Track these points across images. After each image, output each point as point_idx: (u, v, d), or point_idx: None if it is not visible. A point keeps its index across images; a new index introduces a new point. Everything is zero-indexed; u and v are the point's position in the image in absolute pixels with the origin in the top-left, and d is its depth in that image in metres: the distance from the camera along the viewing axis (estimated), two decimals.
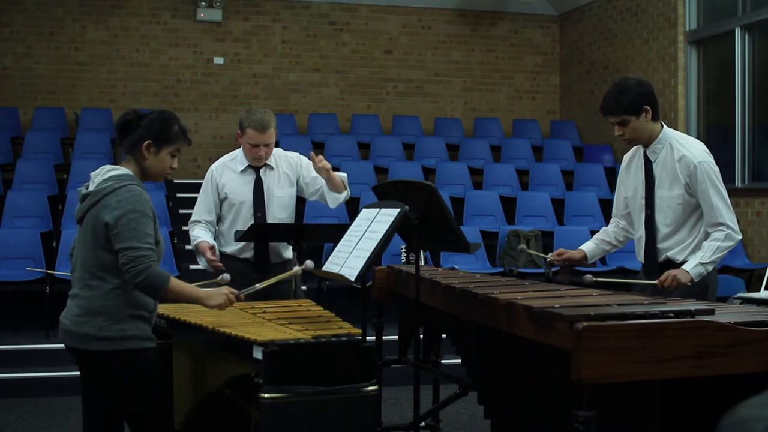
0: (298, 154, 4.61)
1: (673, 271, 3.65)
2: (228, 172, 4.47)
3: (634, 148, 3.92)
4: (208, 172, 4.51)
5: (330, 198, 4.45)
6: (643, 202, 3.84)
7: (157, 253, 3.04)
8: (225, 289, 3.13)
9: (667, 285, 3.63)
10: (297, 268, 3.84)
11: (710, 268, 3.66)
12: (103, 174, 3.06)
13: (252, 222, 4.38)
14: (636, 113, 3.70)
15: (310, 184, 4.48)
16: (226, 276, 3.53)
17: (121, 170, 3.06)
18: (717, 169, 3.73)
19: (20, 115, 9.85)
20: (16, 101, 9.97)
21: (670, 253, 3.76)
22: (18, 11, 10.07)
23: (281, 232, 4.35)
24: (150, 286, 2.92)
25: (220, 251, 4.47)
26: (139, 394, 3.04)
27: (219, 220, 4.53)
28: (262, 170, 4.46)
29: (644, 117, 3.72)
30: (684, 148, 3.75)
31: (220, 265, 4.25)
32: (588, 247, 4.05)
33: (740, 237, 3.69)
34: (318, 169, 4.31)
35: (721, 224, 3.65)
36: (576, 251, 4.02)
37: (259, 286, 3.44)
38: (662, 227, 3.78)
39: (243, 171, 4.46)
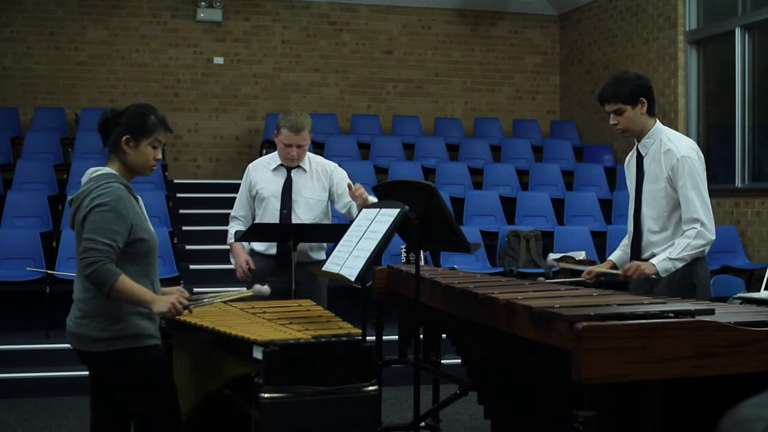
0: (335, 164, 4.73)
1: (637, 262, 3.72)
2: (261, 170, 4.66)
3: (634, 147, 3.95)
4: (246, 170, 4.73)
5: None
6: (634, 196, 3.91)
7: (148, 247, 3.05)
8: (173, 297, 3.01)
9: (630, 274, 3.70)
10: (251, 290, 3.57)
11: (679, 264, 3.68)
12: (87, 177, 3.11)
13: (278, 217, 4.52)
14: (632, 103, 3.77)
15: (342, 196, 4.58)
16: (259, 288, 3.42)
17: (103, 170, 3.10)
18: (701, 168, 3.77)
19: (20, 115, 9.85)
20: (16, 101, 9.97)
21: (656, 250, 3.79)
22: (18, 11, 10.07)
23: (281, 231, 4.37)
24: (95, 280, 2.91)
25: (250, 248, 4.62)
26: (143, 393, 3.05)
27: (254, 218, 4.65)
28: (294, 170, 4.59)
29: (639, 108, 3.78)
30: (671, 142, 3.80)
31: (246, 275, 4.48)
32: (615, 255, 4.06)
33: (714, 237, 3.71)
34: (353, 197, 4.36)
35: (696, 220, 3.68)
36: (604, 264, 4.07)
37: (207, 300, 3.35)
38: (649, 221, 3.83)
39: (275, 169, 4.61)
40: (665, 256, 3.68)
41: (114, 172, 3.08)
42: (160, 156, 3.16)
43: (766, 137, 8.62)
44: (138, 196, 3.18)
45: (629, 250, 3.99)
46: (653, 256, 3.79)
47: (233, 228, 4.65)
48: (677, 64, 9.11)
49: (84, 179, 3.11)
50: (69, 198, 3.13)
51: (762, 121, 8.59)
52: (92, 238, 2.92)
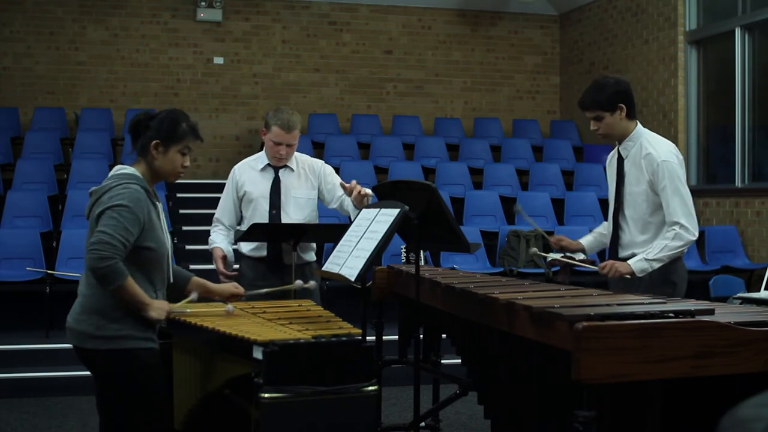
0: (322, 161, 4.62)
1: (612, 261, 3.79)
2: (248, 171, 4.53)
3: (616, 147, 4.01)
4: (231, 171, 4.59)
5: (354, 213, 4.41)
6: (614, 197, 3.95)
7: (154, 256, 3.06)
8: (167, 306, 3.10)
9: (605, 272, 3.77)
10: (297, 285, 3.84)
11: (656, 265, 3.72)
12: (111, 173, 3.11)
13: (267, 218, 4.43)
14: (610, 110, 3.82)
15: (331, 191, 4.49)
16: (194, 296, 3.49)
17: (128, 170, 3.09)
18: (681, 171, 3.81)
19: (20, 115, 9.85)
20: (16, 101, 9.97)
21: (637, 251, 3.82)
22: (18, 11, 10.07)
23: (281, 232, 4.36)
24: (104, 275, 2.88)
25: (237, 251, 4.55)
26: (129, 396, 3.00)
27: (240, 221, 4.57)
28: (281, 170, 4.49)
29: (618, 114, 3.84)
30: (651, 146, 3.85)
31: (230, 274, 4.35)
32: (586, 240, 4.13)
33: (694, 238, 3.74)
34: (357, 199, 4.15)
35: (675, 223, 3.72)
36: (575, 242, 4.11)
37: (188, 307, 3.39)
38: (630, 222, 3.87)
39: (263, 169, 4.50)
40: (642, 256, 3.74)
41: (137, 173, 3.08)
42: (188, 163, 3.15)
43: (766, 137, 8.62)
44: (157, 202, 3.16)
45: (603, 239, 4.06)
46: (634, 256, 3.82)
47: (215, 233, 4.55)
48: (677, 64, 9.11)
49: (109, 174, 3.11)
50: (90, 190, 3.12)
51: (762, 121, 8.59)
52: (108, 232, 2.90)
